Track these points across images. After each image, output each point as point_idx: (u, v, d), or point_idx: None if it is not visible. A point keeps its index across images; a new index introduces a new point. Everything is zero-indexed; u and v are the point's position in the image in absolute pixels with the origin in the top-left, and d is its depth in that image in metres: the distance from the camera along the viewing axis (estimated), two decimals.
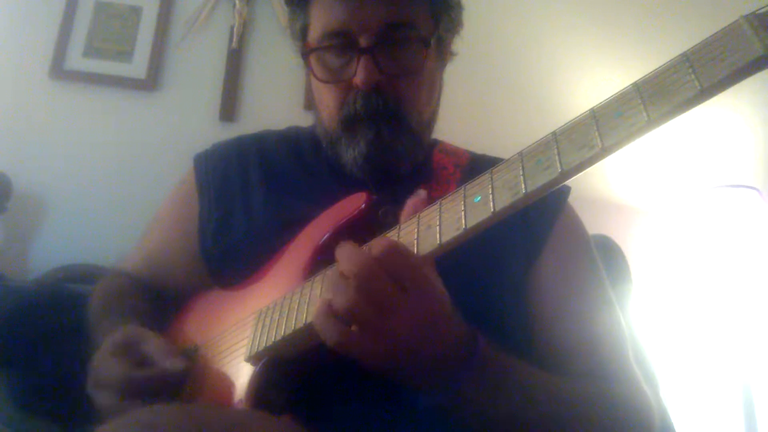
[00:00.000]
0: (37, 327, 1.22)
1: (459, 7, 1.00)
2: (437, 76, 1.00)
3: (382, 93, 0.90)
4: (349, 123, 0.93)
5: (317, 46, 0.93)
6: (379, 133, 0.91)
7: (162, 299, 1.04)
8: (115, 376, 0.76)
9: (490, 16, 1.93)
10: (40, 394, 1.14)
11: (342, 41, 0.91)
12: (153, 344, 0.79)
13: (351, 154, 0.93)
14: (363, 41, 0.89)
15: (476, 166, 1.00)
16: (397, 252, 0.62)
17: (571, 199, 1.00)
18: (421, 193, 0.67)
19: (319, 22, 0.93)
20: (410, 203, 0.70)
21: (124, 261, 1.12)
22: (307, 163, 1.05)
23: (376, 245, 0.63)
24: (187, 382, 0.79)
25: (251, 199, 1.00)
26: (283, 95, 1.93)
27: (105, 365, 0.78)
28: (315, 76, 0.94)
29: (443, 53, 1.01)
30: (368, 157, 0.92)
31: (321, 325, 0.64)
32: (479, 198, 0.60)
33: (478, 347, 0.68)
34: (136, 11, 1.93)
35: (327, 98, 0.95)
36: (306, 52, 0.95)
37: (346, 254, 0.64)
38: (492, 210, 0.58)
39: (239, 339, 0.80)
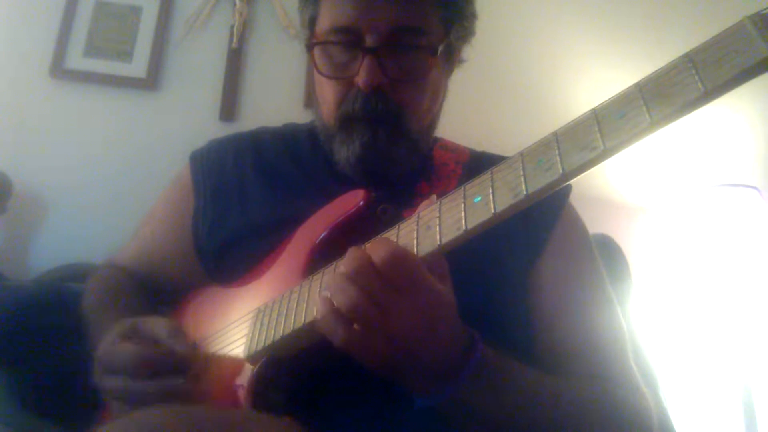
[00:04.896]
0: (38, 326, 1.22)
1: (473, 17, 0.98)
2: (442, 82, 0.99)
3: (383, 96, 0.89)
4: (347, 121, 0.92)
5: (323, 39, 0.92)
6: (375, 136, 0.90)
7: (156, 295, 1.04)
8: (127, 356, 0.75)
9: (492, 15, 1.93)
10: (40, 393, 1.13)
11: (349, 38, 0.90)
12: (161, 325, 0.79)
13: (345, 153, 0.92)
14: (370, 41, 0.88)
15: (477, 163, 1.00)
16: (396, 255, 0.62)
17: (571, 198, 0.99)
18: (433, 198, 0.67)
19: (328, 15, 0.92)
20: (421, 208, 0.69)
21: (118, 254, 1.12)
22: (304, 159, 1.04)
23: (375, 248, 0.63)
24: (188, 376, 0.78)
25: (247, 196, 1.00)
26: (283, 95, 1.93)
27: (115, 349, 0.77)
28: (317, 69, 0.93)
29: (451, 61, 0.99)
30: (361, 159, 0.91)
31: (324, 321, 0.64)
32: (479, 198, 0.60)
33: (477, 349, 0.67)
34: (136, 11, 1.93)
35: (327, 93, 0.94)
36: (311, 44, 0.94)
37: (349, 254, 0.64)
38: (492, 211, 0.57)
39: (237, 337, 0.80)
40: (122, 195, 1.75)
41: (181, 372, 0.75)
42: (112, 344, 0.78)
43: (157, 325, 0.79)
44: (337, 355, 0.67)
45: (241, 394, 0.74)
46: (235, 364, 0.77)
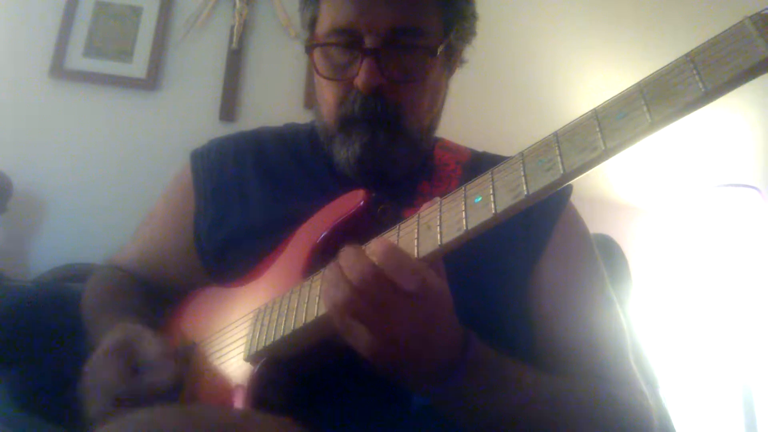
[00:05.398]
0: (38, 327, 1.22)
1: (473, 17, 0.98)
2: (442, 83, 0.99)
3: (382, 97, 0.89)
4: (346, 122, 0.92)
5: (323, 40, 0.93)
6: (374, 137, 0.90)
7: (156, 295, 1.04)
8: (109, 382, 0.76)
9: (493, 16, 1.93)
10: (40, 394, 1.13)
11: (348, 39, 0.90)
12: (150, 346, 0.78)
13: (344, 154, 0.92)
14: (369, 42, 0.88)
15: (477, 163, 1.01)
16: (397, 256, 0.62)
17: (572, 198, 0.99)
18: (436, 200, 0.66)
19: (328, 17, 0.92)
20: (423, 209, 0.68)
21: (118, 254, 1.12)
22: (305, 159, 1.04)
23: (376, 249, 0.63)
24: (184, 383, 0.78)
25: (247, 196, 1.00)
26: (283, 95, 1.93)
27: (99, 369, 0.77)
28: (317, 70, 0.93)
29: (452, 61, 1.00)
30: (361, 160, 0.91)
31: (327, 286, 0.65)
32: (480, 199, 0.60)
33: (471, 347, 0.67)
34: (136, 11, 1.93)
35: (327, 94, 0.94)
36: (310, 46, 0.94)
37: (347, 255, 0.64)
38: (493, 211, 0.57)
39: (237, 338, 0.80)
40: (122, 195, 1.75)
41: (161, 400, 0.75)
42: (100, 362, 0.78)
43: (148, 347, 0.78)
44: (337, 356, 0.67)
45: (241, 394, 0.74)
46: (230, 375, 0.77)
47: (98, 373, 0.78)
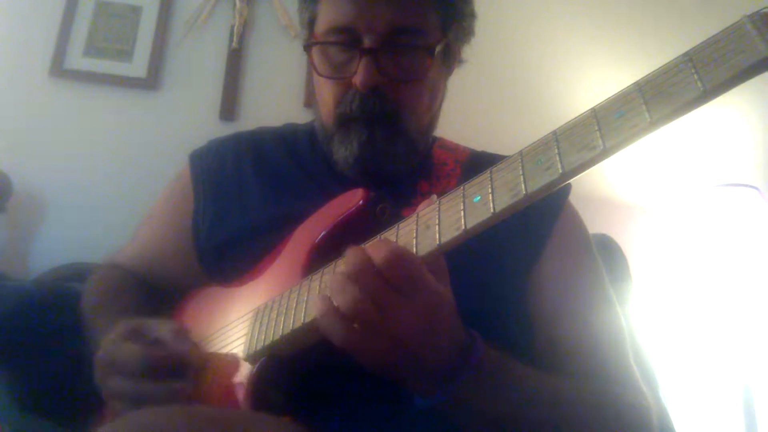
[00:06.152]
0: (38, 327, 1.22)
1: (471, 17, 0.99)
2: (441, 83, 0.99)
3: (380, 96, 0.90)
4: (344, 121, 0.92)
5: (321, 39, 0.93)
6: (372, 136, 0.91)
7: (155, 294, 1.04)
8: (132, 357, 0.75)
9: (492, 15, 1.93)
10: (40, 394, 1.14)
11: (346, 38, 0.90)
12: (164, 326, 0.79)
13: (343, 153, 0.93)
14: (367, 41, 0.88)
15: (476, 162, 1.01)
16: (396, 255, 0.62)
17: (571, 198, 0.99)
18: (433, 198, 0.67)
19: (327, 16, 0.93)
20: (421, 207, 0.68)
21: (118, 254, 1.12)
22: (303, 159, 1.05)
23: (375, 248, 0.63)
24: (191, 378, 0.78)
25: (246, 196, 1.00)
26: (283, 95, 1.93)
27: (119, 349, 0.77)
28: (315, 69, 0.94)
29: (450, 61, 1.00)
30: (359, 159, 0.92)
31: (324, 320, 0.64)
32: (479, 198, 0.60)
33: (476, 349, 0.67)
34: (136, 11, 1.93)
35: (325, 93, 0.95)
36: (309, 45, 0.95)
37: (349, 254, 0.64)
38: (492, 211, 0.57)
39: (236, 337, 0.80)
40: (122, 195, 1.75)
41: (185, 373, 0.75)
42: (114, 345, 0.78)
43: (160, 327, 0.79)
44: (337, 355, 0.67)
45: (241, 393, 0.74)
46: (236, 363, 0.77)
47: (116, 354, 0.77)
